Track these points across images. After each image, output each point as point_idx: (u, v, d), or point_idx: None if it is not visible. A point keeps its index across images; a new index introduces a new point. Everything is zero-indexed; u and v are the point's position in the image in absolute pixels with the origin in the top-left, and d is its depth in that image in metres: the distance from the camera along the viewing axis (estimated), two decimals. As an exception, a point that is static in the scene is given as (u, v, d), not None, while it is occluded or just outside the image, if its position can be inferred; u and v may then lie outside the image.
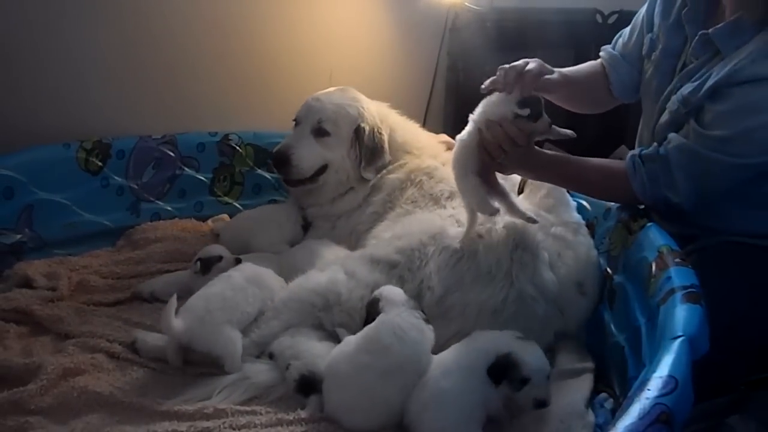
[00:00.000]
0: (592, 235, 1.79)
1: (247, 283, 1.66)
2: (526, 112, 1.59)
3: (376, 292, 1.57)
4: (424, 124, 2.44)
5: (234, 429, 1.38)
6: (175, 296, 1.59)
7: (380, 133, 2.08)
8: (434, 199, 1.92)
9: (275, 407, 1.46)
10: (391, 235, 1.78)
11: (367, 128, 2.06)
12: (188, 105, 2.48)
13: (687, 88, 1.59)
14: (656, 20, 1.80)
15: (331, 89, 2.16)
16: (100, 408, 1.43)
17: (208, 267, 1.82)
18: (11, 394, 1.42)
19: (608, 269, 1.71)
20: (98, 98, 2.32)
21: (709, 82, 1.53)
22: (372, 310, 1.53)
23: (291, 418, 1.41)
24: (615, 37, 1.98)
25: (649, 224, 1.61)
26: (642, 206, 1.71)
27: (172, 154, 2.38)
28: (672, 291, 1.29)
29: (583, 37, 2.90)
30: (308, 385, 1.47)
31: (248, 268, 1.73)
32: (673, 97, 1.64)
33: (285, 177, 2.10)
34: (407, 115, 2.24)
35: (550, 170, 1.71)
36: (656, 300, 1.33)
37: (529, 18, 2.86)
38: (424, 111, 2.93)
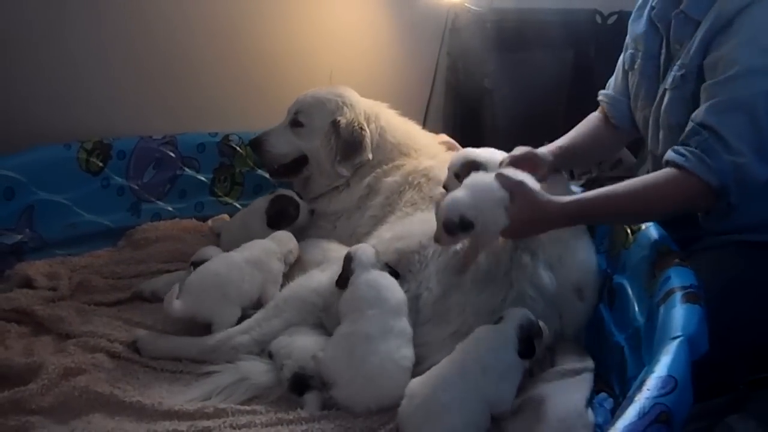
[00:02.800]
0: (593, 235, 1.79)
1: (244, 263, 1.76)
2: None
3: (351, 249, 1.65)
4: (424, 124, 2.44)
5: (234, 429, 1.38)
6: (177, 285, 1.68)
7: (360, 129, 2.06)
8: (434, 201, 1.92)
9: (275, 407, 1.47)
10: (391, 236, 1.77)
11: (344, 121, 2.06)
12: (189, 105, 2.48)
13: (679, 59, 1.60)
14: (630, 36, 1.83)
15: (325, 87, 2.19)
16: (100, 408, 1.43)
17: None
18: (12, 393, 1.43)
19: (608, 269, 1.71)
20: (99, 99, 2.32)
21: (699, 35, 1.54)
22: (347, 265, 1.62)
23: (291, 417, 1.42)
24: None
25: (648, 224, 1.61)
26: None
27: (172, 154, 2.38)
28: (671, 291, 1.30)
29: (582, 37, 2.91)
30: (301, 383, 1.48)
31: (249, 251, 1.82)
32: (669, 74, 1.63)
33: (264, 164, 2.22)
34: (407, 115, 2.23)
35: (588, 214, 1.53)
36: (656, 300, 1.33)
37: (529, 18, 2.86)
38: (424, 111, 2.93)
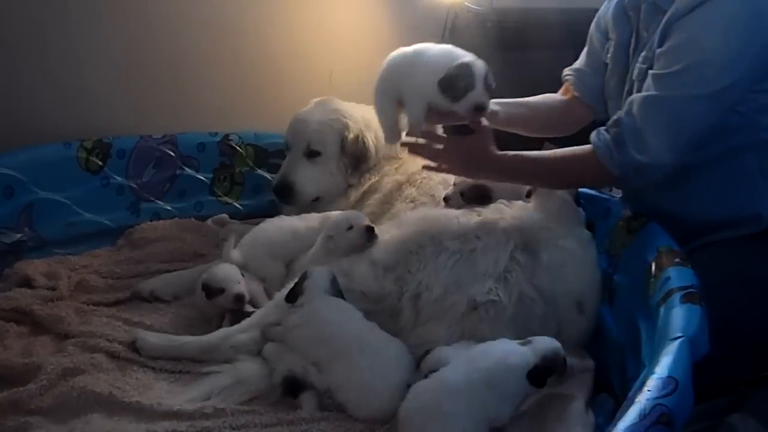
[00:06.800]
0: (592, 235, 1.79)
1: (287, 231, 1.94)
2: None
3: (310, 270, 1.61)
4: (424, 124, 2.44)
5: (234, 429, 1.38)
6: (233, 237, 1.95)
7: (364, 140, 2.15)
8: (433, 198, 1.92)
9: (275, 407, 1.47)
10: (389, 237, 1.77)
11: (350, 137, 2.14)
12: (189, 105, 2.49)
13: (643, 51, 1.63)
14: (608, 27, 1.86)
15: (312, 104, 2.23)
16: (100, 408, 1.43)
17: (211, 296, 1.77)
18: (11, 393, 1.42)
19: (608, 269, 1.70)
20: (99, 98, 2.32)
21: (661, 25, 1.57)
22: (299, 284, 1.59)
23: (291, 418, 1.41)
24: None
25: (649, 223, 1.61)
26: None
27: (172, 153, 2.38)
28: (671, 291, 1.29)
29: (583, 37, 2.89)
30: (293, 386, 1.48)
31: (285, 223, 1.99)
32: (634, 65, 1.66)
33: (291, 204, 2.18)
34: (407, 116, 2.24)
35: (514, 170, 1.70)
36: (656, 300, 1.33)
37: (529, 18, 2.86)
38: (424, 111, 2.92)
